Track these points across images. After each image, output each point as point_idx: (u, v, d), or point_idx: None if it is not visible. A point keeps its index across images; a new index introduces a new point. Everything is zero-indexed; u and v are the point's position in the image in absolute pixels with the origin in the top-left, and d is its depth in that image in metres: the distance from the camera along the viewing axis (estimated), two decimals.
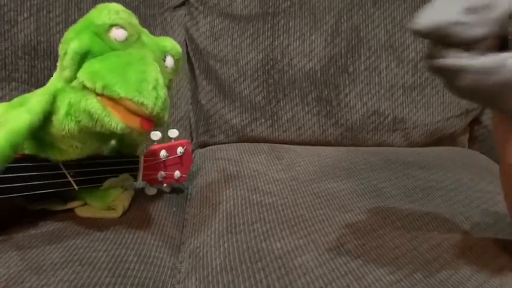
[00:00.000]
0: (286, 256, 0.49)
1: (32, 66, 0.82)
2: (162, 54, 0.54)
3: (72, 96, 0.50)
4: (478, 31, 0.35)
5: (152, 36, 0.55)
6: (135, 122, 0.47)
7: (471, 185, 0.69)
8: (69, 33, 0.50)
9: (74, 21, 0.52)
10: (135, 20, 0.53)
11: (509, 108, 0.39)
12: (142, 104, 0.46)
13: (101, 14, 0.50)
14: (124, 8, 0.52)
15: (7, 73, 0.81)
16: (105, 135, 0.55)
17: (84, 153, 0.56)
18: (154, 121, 0.48)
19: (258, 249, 0.51)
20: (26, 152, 0.55)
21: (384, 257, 0.49)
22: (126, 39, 0.50)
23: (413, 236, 0.54)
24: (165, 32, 0.93)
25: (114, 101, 0.47)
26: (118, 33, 0.50)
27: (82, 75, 0.48)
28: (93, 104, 0.48)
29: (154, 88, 0.47)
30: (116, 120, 0.47)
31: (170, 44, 0.56)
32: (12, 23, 0.81)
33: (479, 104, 0.41)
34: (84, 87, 0.48)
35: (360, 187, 0.68)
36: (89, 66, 0.49)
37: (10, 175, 0.52)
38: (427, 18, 0.36)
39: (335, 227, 0.55)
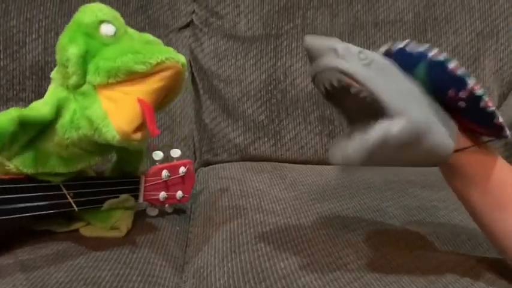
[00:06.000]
0: (290, 276, 0.50)
1: (39, 86, 0.83)
2: None
3: (80, 102, 0.50)
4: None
5: (133, 29, 0.57)
6: (135, 121, 0.49)
7: None
8: (62, 40, 0.51)
9: None
10: (118, 15, 0.54)
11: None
12: (167, 58, 0.50)
13: (86, 14, 0.52)
14: (105, 5, 0.53)
15: (14, 93, 0.82)
16: (103, 147, 0.55)
17: (88, 161, 0.56)
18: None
19: (262, 269, 0.51)
20: (27, 172, 0.54)
21: (387, 277, 0.49)
22: (115, 33, 0.52)
23: (416, 255, 0.54)
24: None
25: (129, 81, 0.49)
26: (107, 28, 0.51)
27: (96, 78, 0.49)
28: (96, 111, 0.49)
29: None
30: (112, 133, 0.48)
31: (151, 36, 0.58)
32: (21, 44, 0.83)
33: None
34: (95, 88, 0.50)
35: (363, 207, 0.68)
36: (94, 66, 0.50)
37: (11, 196, 0.52)
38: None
39: (338, 247, 0.55)
